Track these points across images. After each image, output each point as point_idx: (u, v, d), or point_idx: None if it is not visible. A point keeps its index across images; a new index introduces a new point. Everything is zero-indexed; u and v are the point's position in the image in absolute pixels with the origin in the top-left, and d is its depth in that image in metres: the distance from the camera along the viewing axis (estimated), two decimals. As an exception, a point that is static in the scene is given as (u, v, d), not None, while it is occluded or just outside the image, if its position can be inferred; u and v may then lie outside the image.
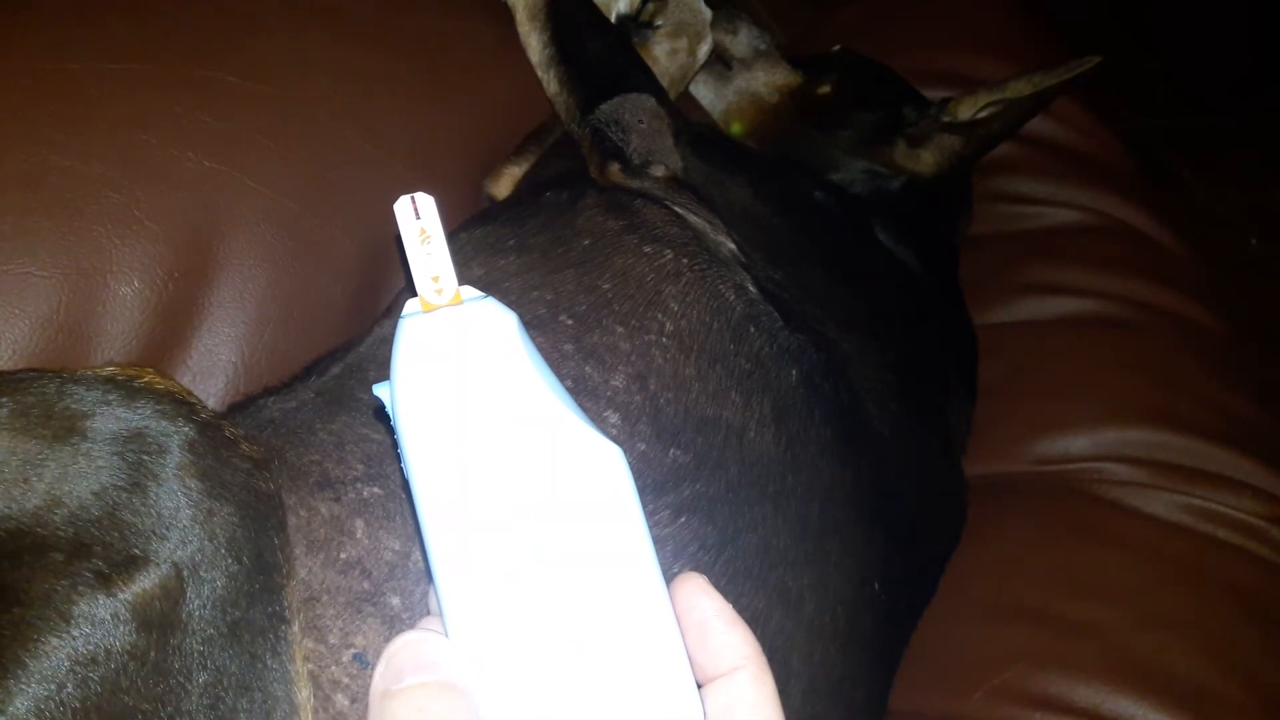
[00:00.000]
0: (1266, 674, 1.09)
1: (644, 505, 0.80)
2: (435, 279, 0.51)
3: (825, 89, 1.36)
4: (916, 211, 1.29)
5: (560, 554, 0.47)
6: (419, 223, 0.51)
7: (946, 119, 1.32)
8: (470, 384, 0.49)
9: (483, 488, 0.47)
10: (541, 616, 0.46)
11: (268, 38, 1.10)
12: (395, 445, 0.51)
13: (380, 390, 0.49)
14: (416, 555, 0.76)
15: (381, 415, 0.57)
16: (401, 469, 0.49)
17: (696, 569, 0.80)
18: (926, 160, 1.31)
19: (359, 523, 0.77)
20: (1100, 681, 1.05)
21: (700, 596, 0.48)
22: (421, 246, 0.51)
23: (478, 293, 0.51)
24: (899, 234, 1.24)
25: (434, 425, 0.48)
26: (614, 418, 0.84)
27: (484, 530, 0.47)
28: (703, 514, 0.82)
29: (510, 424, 0.48)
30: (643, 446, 0.83)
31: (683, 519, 0.82)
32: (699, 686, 0.48)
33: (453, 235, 1.01)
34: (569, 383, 0.85)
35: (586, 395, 0.85)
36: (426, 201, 0.51)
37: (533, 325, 0.88)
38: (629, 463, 0.50)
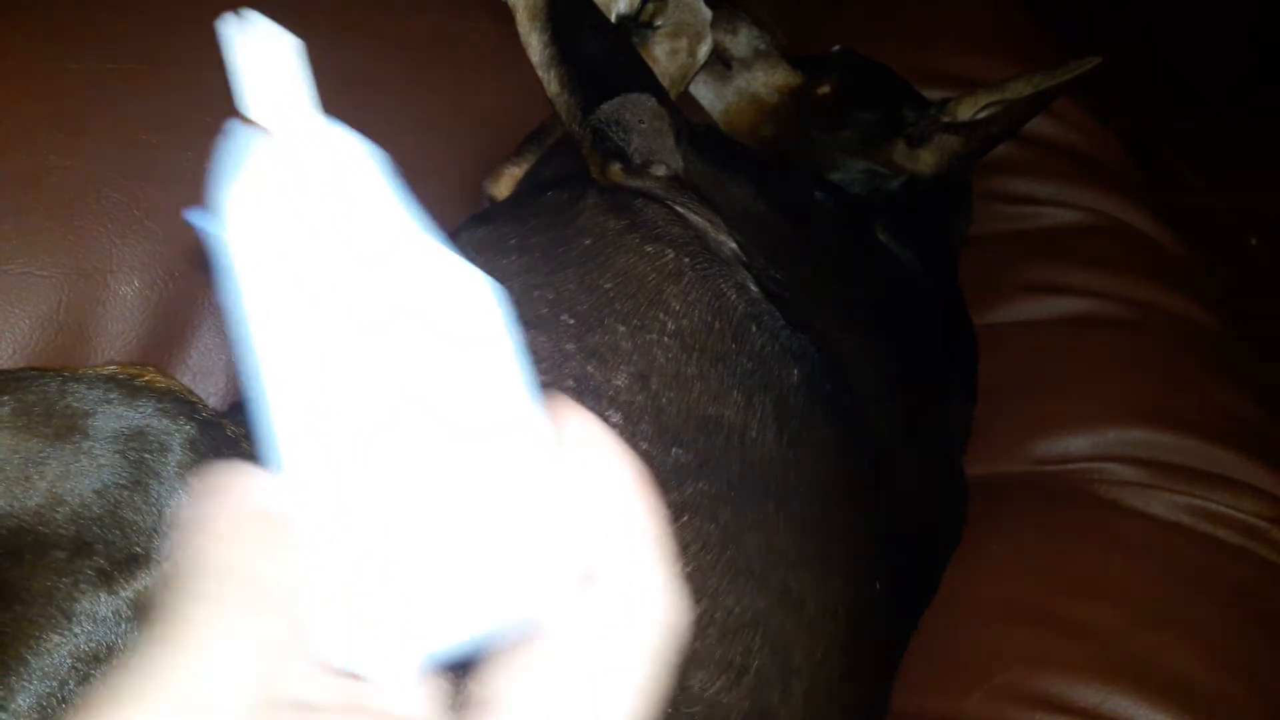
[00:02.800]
0: (1266, 674, 1.09)
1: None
2: (275, 95, 0.42)
3: (825, 89, 1.36)
4: (916, 211, 1.29)
5: (423, 377, 0.40)
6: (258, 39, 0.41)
7: (946, 119, 1.32)
8: (302, 196, 0.41)
9: (315, 303, 0.40)
10: (393, 445, 0.39)
11: (268, 38, 1.10)
12: (221, 267, 0.42)
13: (202, 213, 0.41)
14: None
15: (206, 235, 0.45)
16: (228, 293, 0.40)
17: (699, 569, 0.81)
18: (926, 160, 1.31)
19: None
20: (1100, 681, 1.05)
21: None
22: (262, 59, 0.41)
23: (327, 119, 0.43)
24: (899, 234, 1.24)
25: (264, 233, 0.40)
26: (616, 417, 0.84)
27: (314, 349, 0.39)
28: (705, 513, 0.82)
29: (357, 236, 0.41)
30: (645, 445, 0.83)
31: (685, 518, 0.82)
32: None
33: (454, 235, 1.01)
34: (570, 382, 0.85)
35: (589, 394, 0.85)
36: (262, 25, 0.42)
37: (534, 324, 0.88)
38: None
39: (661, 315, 0.90)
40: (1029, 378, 1.33)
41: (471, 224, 1.02)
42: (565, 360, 0.86)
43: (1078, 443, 1.27)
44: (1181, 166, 2.38)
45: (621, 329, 0.89)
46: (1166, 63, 2.56)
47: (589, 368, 0.86)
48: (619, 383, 0.86)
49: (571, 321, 0.89)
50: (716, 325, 0.91)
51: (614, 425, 0.84)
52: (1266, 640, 1.12)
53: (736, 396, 0.88)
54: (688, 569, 0.80)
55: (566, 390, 0.85)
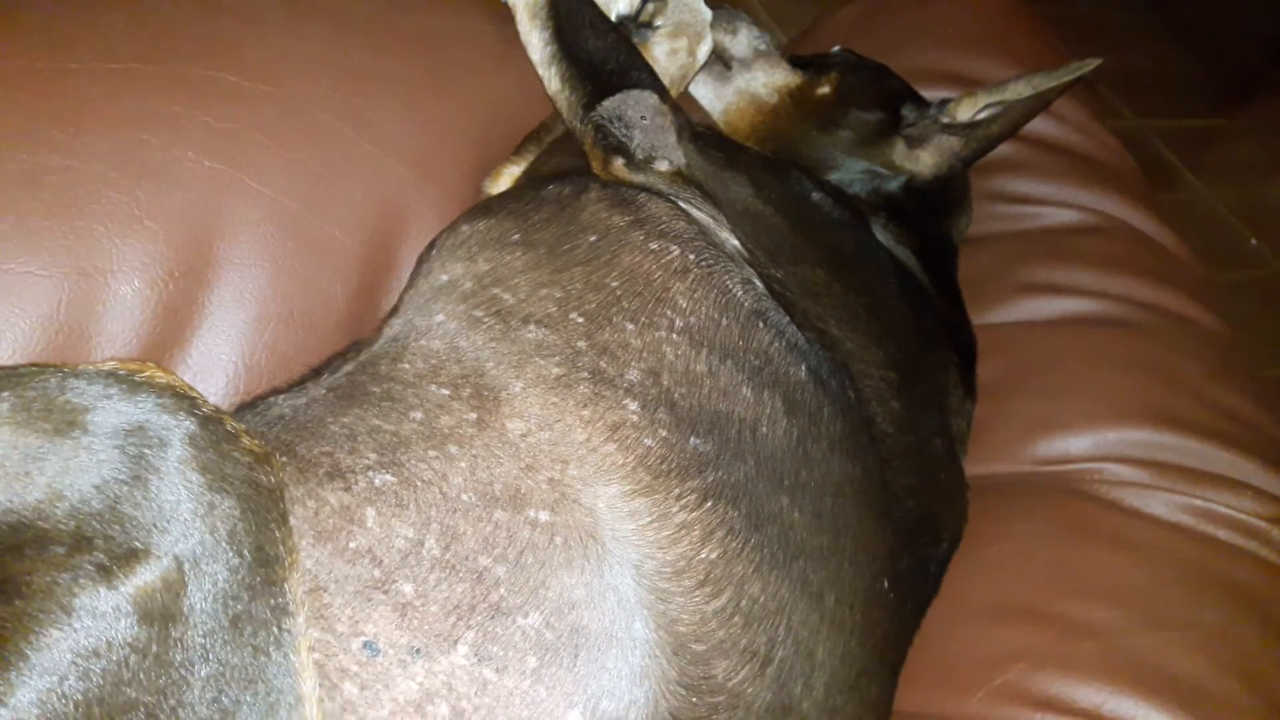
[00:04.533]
0: (1266, 674, 1.09)
1: (670, 490, 0.80)
2: None
3: (825, 89, 1.36)
4: (915, 211, 1.29)
5: None
6: None
7: (946, 120, 1.32)
8: None
9: None
10: None
11: (267, 38, 1.10)
12: None
13: None
14: (430, 542, 0.77)
15: None
16: None
17: (725, 554, 0.81)
18: (925, 161, 1.31)
19: (370, 511, 0.77)
20: (1101, 682, 1.05)
21: None
22: None
23: None
24: (898, 234, 1.24)
25: None
26: (633, 405, 0.84)
27: None
28: (727, 500, 0.83)
29: None
30: (664, 433, 0.84)
31: (709, 504, 0.82)
32: None
33: (454, 228, 1.01)
34: (585, 374, 0.86)
35: (605, 385, 0.85)
36: None
37: (544, 322, 0.89)
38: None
39: (669, 313, 0.91)
40: (1029, 378, 1.33)
41: (473, 216, 1.02)
42: (578, 356, 0.87)
43: (1078, 443, 1.27)
44: (1181, 166, 2.39)
45: (630, 327, 0.89)
46: (1166, 63, 2.56)
47: (601, 364, 0.87)
48: (631, 378, 0.86)
49: (581, 320, 0.89)
50: (723, 322, 0.92)
51: (632, 413, 0.84)
52: (1266, 640, 1.12)
53: (746, 392, 0.89)
54: (713, 555, 0.81)
55: (581, 383, 0.85)
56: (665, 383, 0.87)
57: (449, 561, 0.76)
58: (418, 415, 0.83)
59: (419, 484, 0.79)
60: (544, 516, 0.79)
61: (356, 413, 0.84)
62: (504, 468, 0.81)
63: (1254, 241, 2.33)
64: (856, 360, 0.99)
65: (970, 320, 1.29)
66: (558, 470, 0.81)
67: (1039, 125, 1.51)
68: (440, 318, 0.91)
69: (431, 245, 1.01)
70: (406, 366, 0.88)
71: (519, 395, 0.85)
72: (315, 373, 0.95)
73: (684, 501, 0.81)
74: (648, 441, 0.83)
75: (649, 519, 0.80)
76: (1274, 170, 2.46)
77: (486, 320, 0.90)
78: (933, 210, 1.34)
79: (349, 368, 0.91)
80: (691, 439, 0.84)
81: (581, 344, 0.88)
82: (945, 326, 1.24)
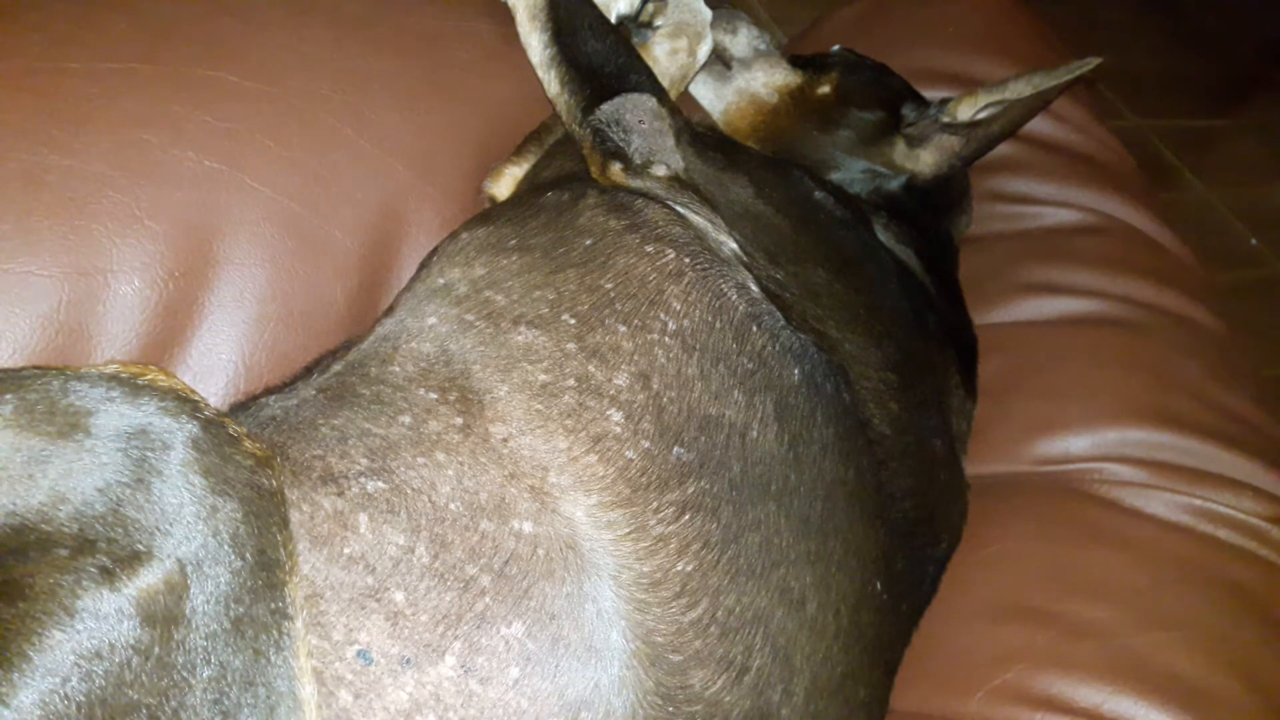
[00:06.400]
0: (1266, 674, 1.10)
1: (649, 503, 0.81)
2: None
3: (825, 89, 1.36)
4: (916, 211, 1.29)
5: None
6: None
7: (946, 119, 1.32)
8: None
9: None
10: None
11: (268, 38, 1.10)
12: None
13: None
14: (420, 550, 0.77)
15: None
16: None
17: (700, 567, 0.81)
18: (926, 160, 1.31)
19: (362, 517, 0.77)
20: (1101, 681, 1.06)
21: None
22: None
23: None
24: (899, 233, 1.24)
25: None
26: (617, 416, 0.84)
27: None
28: (706, 512, 0.83)
29: None
30: (646, 444, 0.84)
31: (686, 517, 0.82)
32: None
33: (454, 235, 1.01)
34: (572, 382, 0.85)
35: (590, 394, 0.85)
36: None
37: (535, 324, 0.89)
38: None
39: (662, 315, 0.91)
40: (1029, 378, 1.33)
41: (473, 224, 1.02)
42: (566, 360, 0.87)
43: (1078, 443, 1.28)
44: (1181, 166, 2.39)
45: (622, 329, 0.89)
46: (1166, 63, 2.56)
47: (590, 367, 0.87)
48: (620, 382, 0.86)
49: (572, 321, 0.89)
50: (717, 325, 0.92)
51: (615, 424, 0.84)
52: (1267, 640, 1.12)
53: (737, 396, 0.89)
54: (689, 568, 0.81)
55: (568, 390, 0.85)
56: (655, 387, 0.87)
57: (438, 570, 0.76)
58: (406, 420, 0.84)
59: (409, 492, 0.79)
60: (528, 528, 0.79)
61: (347, 415, 0.84)
62: (489, 475, 0.81)
63: (1254, 241, 2.33)
64: (856, 361, 0.99)
65: (971, 320, 1.30)
66: (538, 477, 0.82)
67: (1039, 125, 1.51)
68: (432, 320, 0.91)
69: (434, 251, 1.01)
70: (396, 369, 0.88)
71: (503, 399, 0.85)
72: (306, 371, 0.95)
73: (662, 515, 0.82)
74: (629, 454, 0.83)
75: (626, 530, 0.81)
76: (1274, 170, 2.47)
77: (478, 324, 0.90)
78: (933, 210, 1.34)
79: (338, 367, 0.91)
80: (675, 449, 0.85)
81: (571, 346, 0.88)
82: (946, 326, 1.24)
